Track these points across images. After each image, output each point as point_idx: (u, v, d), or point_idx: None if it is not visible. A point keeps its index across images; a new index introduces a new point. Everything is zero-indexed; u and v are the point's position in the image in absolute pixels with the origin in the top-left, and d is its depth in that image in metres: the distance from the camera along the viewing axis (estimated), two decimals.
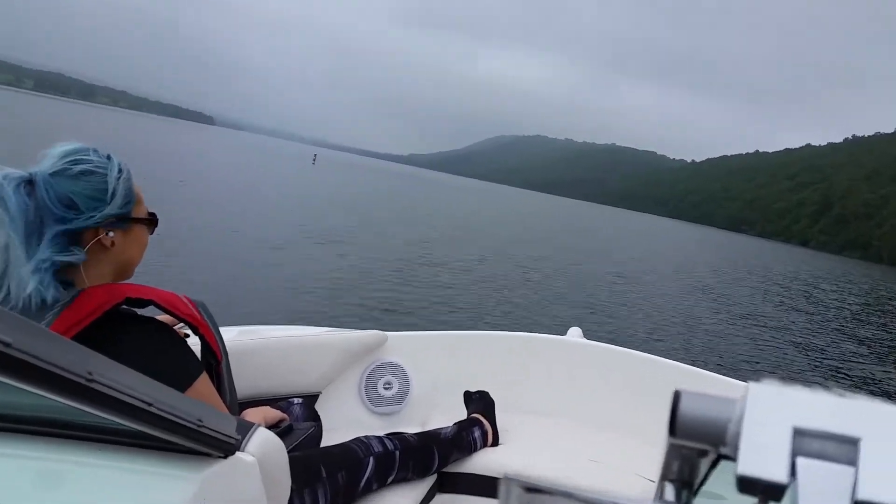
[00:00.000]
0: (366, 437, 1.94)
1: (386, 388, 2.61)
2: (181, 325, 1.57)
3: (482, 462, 2.20)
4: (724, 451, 0.41)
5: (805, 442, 0.38)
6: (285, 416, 1.72)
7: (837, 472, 0.36)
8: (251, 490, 1.00)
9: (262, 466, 1.01)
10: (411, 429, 2.24)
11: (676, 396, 0.44)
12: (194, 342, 1.40)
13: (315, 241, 14.45)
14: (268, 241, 13.28)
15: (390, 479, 1.93)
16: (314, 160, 62.05)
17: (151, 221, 1.38)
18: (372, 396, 2.59)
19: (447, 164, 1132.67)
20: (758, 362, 11.26)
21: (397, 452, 1.94)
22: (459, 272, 14.19)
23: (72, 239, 1.21)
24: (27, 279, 1.14)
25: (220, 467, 0.92)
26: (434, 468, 2.09)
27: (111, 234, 1.26)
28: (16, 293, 1.15)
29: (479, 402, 2.45)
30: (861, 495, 0.35)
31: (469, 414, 2.40)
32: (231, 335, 2.21)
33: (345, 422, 2.44)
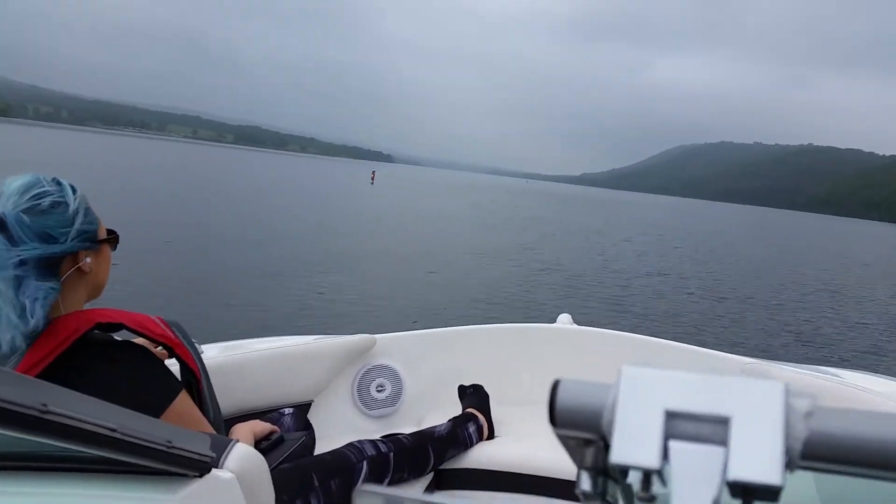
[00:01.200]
0: (359, 441, 1.95)
1: (379, 391, 2.61)
2: (160, 346, 1.58)
3: (479, 456, 2.21)
4: (607, 438, 0.39)
5: (677, 424, 0.37)
6: (275, 428, 1.73)
7: (709, 454, 0.36)
8: None
9: (241, 482, 1.01)
10: (407, 429, 2.25)
11: (555, 386, 0.43)
12: (173, 362, 1.41)
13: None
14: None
15: (386, 482, 1.94)
16: (373, 179, 57.48)
17: (115, 239, 1.40)
18: (365, 400, 2.59)
19: (623, 181, 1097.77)
20: None
21: (391, 454, 1.95)
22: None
23: (51, 270, 1.22)
24: (16, 320, 1.16)
25: (198, 486, 0.93)
26: (430, 467, 2.09)
27: (88, 259, 1.28)
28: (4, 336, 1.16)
29: (474, 397, 2.46)
30: (732, 475, 0.35)
31: (464, 409, 2.40)
32: (215, 352, 2.24)
33: (340, 428, 2.44)
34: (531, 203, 57.48)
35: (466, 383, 2.54)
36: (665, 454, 0.37)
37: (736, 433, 0.36)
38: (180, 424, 1.17)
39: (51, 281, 1.21)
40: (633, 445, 0.37)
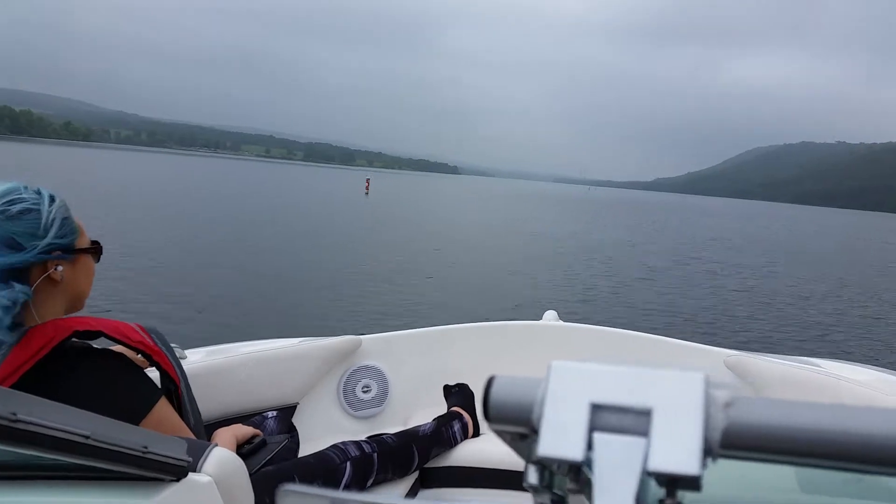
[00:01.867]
0: (343, 442, 1.96)
1: (365, 392, 2.62)
2: (139, 354, 1.56)
3: (463, 454, 2.24)
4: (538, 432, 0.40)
5: (602, 416, 0.38)
6: (258, 431, 1.72)
7: (630, 445, 0.37)
8: None
9: (220, 486, 1.01)
10: (394, 429, 2.26)
11: (489, 382, 0.44)
12: (154, 370, 1.43)
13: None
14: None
15: (370, 483, 1.93)
16: (367, 189, 50.89)
17: (96, 250, 1.40)
18: (351, 401, 2.60)
19: (698, 185, 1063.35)
20: None
21: (375, 455, 1.96)
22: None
23: (18, 277, 1.21)
24: None
25: (174, 490, 0.93)
26: (414, 466, 2.10)
27: (59, 268, 1.27)
28: None
29: (459, 395, 2.47)
30: (651, 466, 0.36)
31: (449, 408, 2.42)
32: (199, 356, 2.25)
33: (325, 430, 2.45)
34: (571, 210, 53.41)
35: (452, 382, 2.55)
36: (590, 446, 0.38)
37: (657, 424, 0.37)
38: (160, 431, 1.17)
39: (17, 287, 1.20)
40: (559, 438, 0.38)
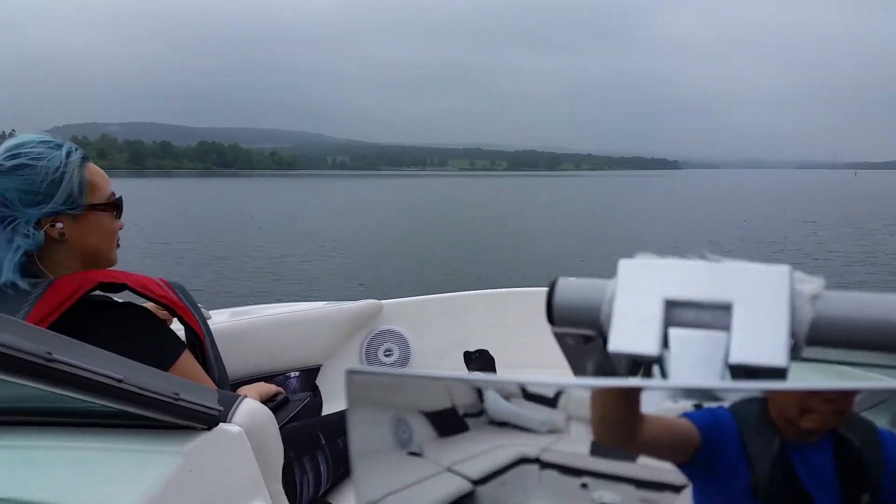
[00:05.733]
0: None
1: (387, 355, 2.66)
2: (163, 309, 1.57)
3: None
4: (605, 332, 0.38)
5: (678, 312, 0.36)
6: (280, 389, 1.75)
7: (710, 339, 0.35)
8: (241, 459, 0.99)
9: (250, 436, 1.01)
10: None
11: (553, 283, 0.42)
12: (179, 326, 1.45)
13: None
14: None
15: None
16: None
17: (113, 206, 1.36)
18: (373, 364, 2.62)
19: None
20: None
21: None
22: None
23: (8, 230, 1.22)
24: None
25: (205, 439, 0.93)
26: None
27: (58, 224, 1.25)
28: None
29: (479, 361, 2.51)
30: (734, 358, 0.34)
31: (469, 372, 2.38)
32: (224, 317, 2.27)
33: None
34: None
35: (472, 348, 2.58)
36: (665, 342, 0.36)
37: (739, 318, 0.35)
38: None
39: (13, 240, 1.21)
40: (631, 334, 0.36)
